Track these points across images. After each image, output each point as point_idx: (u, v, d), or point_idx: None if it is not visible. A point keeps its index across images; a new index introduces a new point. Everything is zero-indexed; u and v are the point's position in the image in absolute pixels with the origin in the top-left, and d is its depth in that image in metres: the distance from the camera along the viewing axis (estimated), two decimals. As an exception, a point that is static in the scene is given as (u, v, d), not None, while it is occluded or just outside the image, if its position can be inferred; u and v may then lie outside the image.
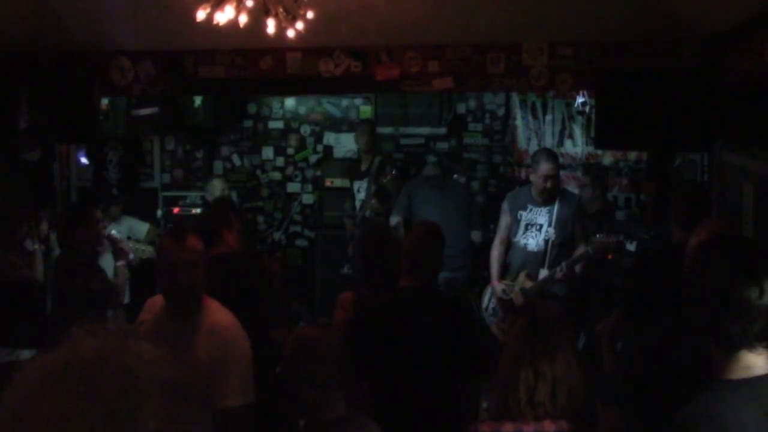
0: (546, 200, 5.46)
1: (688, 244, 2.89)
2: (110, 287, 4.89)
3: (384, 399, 2.80)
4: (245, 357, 3.15)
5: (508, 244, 5.67)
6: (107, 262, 6.54)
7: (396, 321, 3.39)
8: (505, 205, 5.70)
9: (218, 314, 3.25)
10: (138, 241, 6.72)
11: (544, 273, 5.42)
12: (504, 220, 5.69)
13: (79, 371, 1.10)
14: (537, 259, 5.46)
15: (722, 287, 1.83)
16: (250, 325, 3.42)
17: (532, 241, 5.48)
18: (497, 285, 5.61)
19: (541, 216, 5.48)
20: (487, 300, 5.86)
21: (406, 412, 2.84)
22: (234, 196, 8.20)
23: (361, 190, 7.16)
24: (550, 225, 5.43)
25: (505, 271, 5.69)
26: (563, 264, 5.30)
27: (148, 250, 6.40)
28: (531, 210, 5.52)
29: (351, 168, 7.48)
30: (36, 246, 5.18)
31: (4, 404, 1.11)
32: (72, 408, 1.07)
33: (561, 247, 5.44)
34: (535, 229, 5.49)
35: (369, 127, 7.35)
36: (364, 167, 7.22)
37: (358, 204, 7.16)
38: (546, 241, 5.43)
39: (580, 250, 5.38)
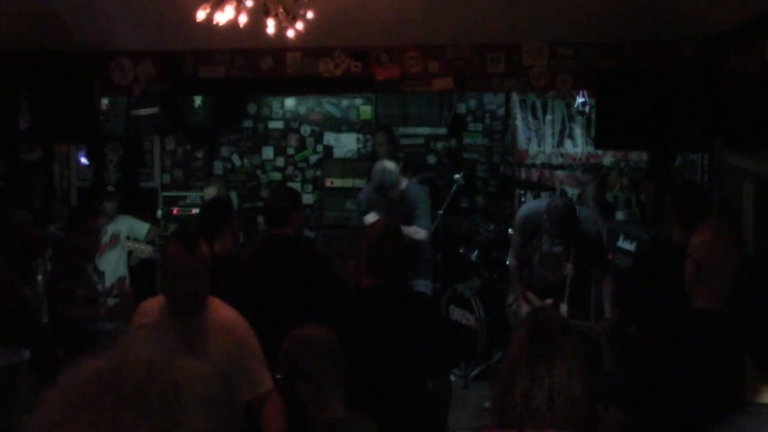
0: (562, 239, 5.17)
1: (689, 245, 2.88)
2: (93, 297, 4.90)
3: (349, 399, 2.80)
4: (257, 346, 3.27)
5: (525, 257, 5.44)
6: (108, 261, 6.55)
7: (356, 322, 3.37)
8: (519, 224, 5.44)
9: (223, 311, 3.30)
10: (137, 240, 6.72)
11: (563, 308, 5.22)
12: (519, 238, 5.44)
13: (130, 383, 1.10)
14: (556, 292, 5.21)
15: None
16: (301, 310, 3.53)
17: (551, 275, 5.29)
18: (524, 307, 5.29)
19: (558, 248, 5.21)
20: (513, 298, 5.74)
21: (372, 411, 2.83)
22: (234, 196, 8.21)
23: None
24: (568, 260, 5.16)
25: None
26: (601, 324, 5.00)
27: (147, 250, 6.39)
28: (546, 240, 5.25)
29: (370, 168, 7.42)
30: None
31: (47, 406, 1.10)
32: (120, 419, 1.07)
33: (580, 281, 5.25)
34: (553, 262, 5.27)
35: (387, 135, 7.31)
36: None
37: None
38: (565, 277, 5.19)
39: (609, 284, 5.14)
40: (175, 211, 7.83)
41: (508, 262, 5.63)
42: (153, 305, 3.39)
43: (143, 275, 6.92)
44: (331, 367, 2.73)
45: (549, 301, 5.20)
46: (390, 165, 6.00)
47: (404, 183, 6.07)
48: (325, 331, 2.84)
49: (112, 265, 6.58)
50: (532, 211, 5.41)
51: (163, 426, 1.09)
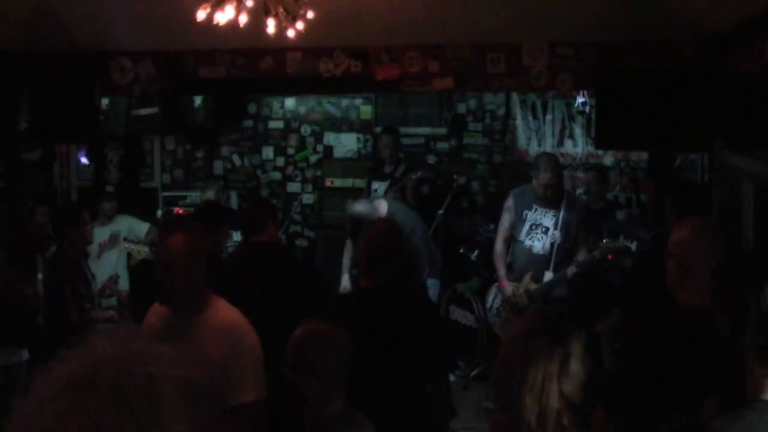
0: (551, 203, 5.44)
1: (669, 242, 2.88)
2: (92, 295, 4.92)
3: (348, 398, 2.81)
4: (256, 351, 3.19)
5: (509, 243, 5.66)
6: (106, 261, 6.54)
7: (354, 322, 3.37)
8: (509, 203, 5.62)
9: (225, 312, 3.27)
10: (134, 242, 6.68)
11: (549, 275, 5.39)
12: (507, 218, 5.62)
13: (106, 383, 1.09)
14: (542, 261, 5.43)
15: None
16: (280, 314, 3.49)
17: (538, 243, 5.45)
18: (507, 287, 5.56)
19: (547, 218, 5.43)
20: (492, 299, 5.83)
21: (370, 411, 2.84)
22: (234, 196, 8.21)
23: (379, 190, 7.11)
24: (556, 228, 5.40)
25: (507, 270, 5.66)
26: (573, 266, 5.27)
27: (143, 251, 6.34)
28: (536, 210, 5.48)
29: (374, 168, 7.42)
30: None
31: (24, 417, 1.08)
32: (102, 422, 1.06)
33: (566, 250, 5.43)
34: (541, 231, 5.45)
35: (392, 137, 7.31)
36: (388, 170, 7.19)
37: None
38: (552, 244, 5.41)
39: (583, 252, 5.37)
40: (176, 211, 7.83)
41: (494, 248, 5.75)
42: (162, 306, 3.39)
43: (143, 276, 6.92)
44: (342, 364, 2.75)
45: (528, 274, 5.34)
46: (361, 208, 5.62)
47: (383, 207, 5.70)
48: (339, 329, 2.85)
49: (112, 265, 6.56)
50: (521, 188, 5.72)
51: (144, 418, 1.08)
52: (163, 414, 1.09)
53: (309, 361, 2.73)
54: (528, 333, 2.28)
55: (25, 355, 4.64)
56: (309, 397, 2.74)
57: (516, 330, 2.33)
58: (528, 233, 5.50)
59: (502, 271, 5.63)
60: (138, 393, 1.09)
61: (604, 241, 5.29)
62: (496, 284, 5.78)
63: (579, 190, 7.31)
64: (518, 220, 5.55)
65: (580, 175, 7.43)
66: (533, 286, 5.43)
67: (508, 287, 5.55)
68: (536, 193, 5.46)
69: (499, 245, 5.68)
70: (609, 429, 2.64)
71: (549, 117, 7.62)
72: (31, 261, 4.72)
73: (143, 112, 7.49)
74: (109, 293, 6.42)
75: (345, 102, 8.30)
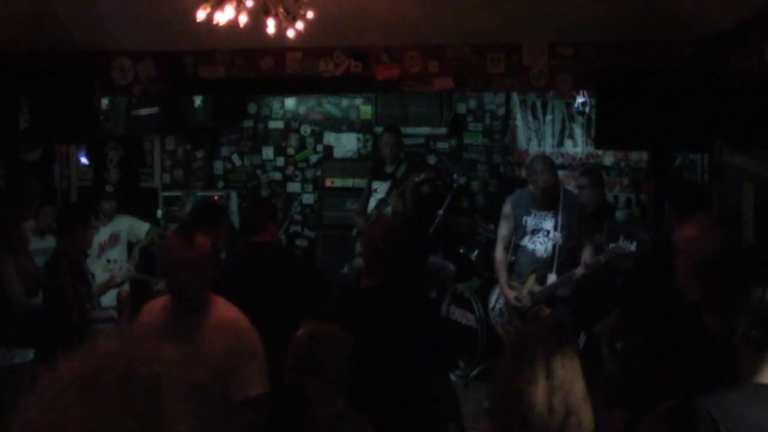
0: (548, 205, 5.43)
1: (677, 239, 2.89)
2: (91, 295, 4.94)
3: (352, 399, 2.81)
4: (258, 346, 3.24)
5: (509, 249, 5.63)
6: (103, 263, 6.53)
7: (353, 322, 3.37)
8: (507, 210, 5.61)
9: (224, 309, 3.30)
10: (117, 263, 6.60)
11: (552, 278, 5.38)
12: (506, 225, 5.61)
13: (111, 380, 1.09)
14: (545, 263, 5.42)
15: (755, 293, 1.86)
16: (280, 314, 3.53)
17: (540, 246, 5.44)
18: (510, 293, 5.53)
19: (547, 221, 5.42)
20: (494, 300, 5.82)
21: (372, 413, 2.84)
22: (234, 196, 8.21)
23: (379, 190, 7.10)
24: (556, 229, 5.40)
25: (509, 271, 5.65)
26: (581, 268, 5.24)
27: (126, 270, 6.21)
28: (535, 215, 5.46)
29: (375, 168, 7.40)
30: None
31: (29, 413, 1.09)
32: (105, 418, 1.06)
33: (568, 250, 5.42)
34: (542, 234, 5.44)
35: (394, 136, 7.30)
36: (389, 170, 7.17)
37: (372, 203, 7.07)
38: (554, 246, 5.41)
39: (588, 250, 5.35)
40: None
41: (495, 256, 5.73)
42: (157, 304, 3.42)
43: (136, 293, 6.89)
44: (343, 365, 2.76)
45: (532, 276, 5.34)
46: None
47: None
48: (340, 330, 2.85)
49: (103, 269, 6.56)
50: (517, 194, 5.71)
51: (147, 417, 1.08)
52: (166, 414, 1.09)
53: (310, 361, 2.74)
54: (519, 354, 2.27)
55: (30, 354, 4.64)
56: (310, 398, 2.74)
57: (507, 353, 2.32)
58: (530, 238, 5.49)
59: (504, 278, 5.61)
60: (143, 392, 1.09)
61: (611, 245, 5.26)
62: (498, 285, 5.77)
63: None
64: (518, 227, 5.53)
65: (578, 176, 7.41)
66: (537, 288, 5.42)
67: (511, 293, 5.53)
68: (533, 198, 5.44)
69: (499, 253, 5.66)
70: (630, 430, 2.65)
71: (549, 117, 7.61)
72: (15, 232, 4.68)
73: (143, 112, 7.50)
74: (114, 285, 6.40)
75: (345, 102, 8.30)
